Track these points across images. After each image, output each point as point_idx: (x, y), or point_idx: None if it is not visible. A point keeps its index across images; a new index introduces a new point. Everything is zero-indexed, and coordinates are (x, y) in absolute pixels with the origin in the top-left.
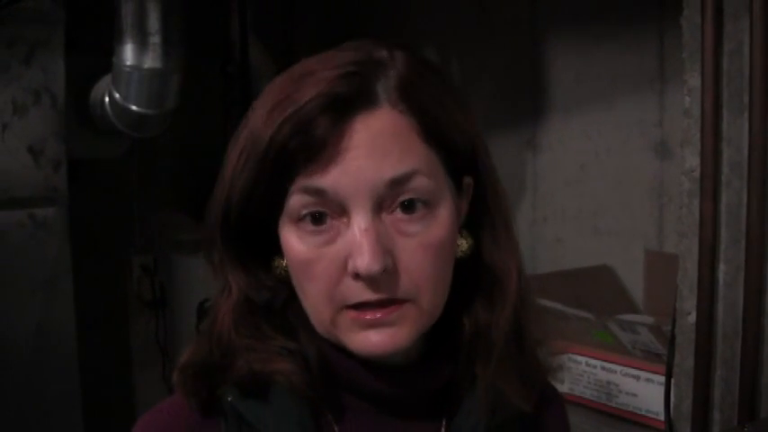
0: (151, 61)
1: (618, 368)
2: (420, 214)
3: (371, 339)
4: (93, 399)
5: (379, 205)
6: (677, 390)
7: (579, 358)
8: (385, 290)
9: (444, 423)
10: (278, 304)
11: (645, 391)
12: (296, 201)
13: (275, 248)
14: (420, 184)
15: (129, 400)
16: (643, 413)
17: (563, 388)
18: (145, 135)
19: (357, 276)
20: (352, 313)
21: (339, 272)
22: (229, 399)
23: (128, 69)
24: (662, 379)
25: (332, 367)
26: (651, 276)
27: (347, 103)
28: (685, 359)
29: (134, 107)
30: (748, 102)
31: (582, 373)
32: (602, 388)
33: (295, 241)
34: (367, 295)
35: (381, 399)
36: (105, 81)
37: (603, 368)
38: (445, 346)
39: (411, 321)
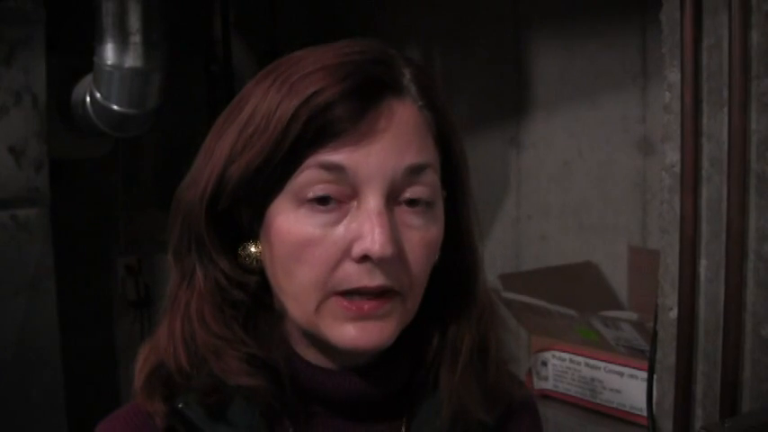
0: (132, 60)
1: (602, 365)
2: (422, 209)
3: (355, 333)
4: (78, 399)
5: (391, 194)
6: (659, 386)
7: (563, 355)
8: (385, 278)
9: (404, 424)
10: (252, 291)
11: (629, 388)
12: (308, 176)
13: (243, 236)
14: (429, 179)
15: (114, 400)
16: (627, 409)
17: (547, 385)
18: (127, 135)
19: (363, 260)
20: (344, 302)
21: (340, 255)
22: (180, 406)
23: (108, 69)
24: (646, 375)
25: (295, 372)
26: (635, 273)
27: (379, 86)
28: (667, 355)
29: (115, 107)
30: (728, 97)
31: (566, 369)
32: (587, 385)
33: (294, 221)
34: (366, 281)
35: (342, 401)
36: (87, 81)
37: (587, 365)
38: (403, 347)
39: (397, 317)
